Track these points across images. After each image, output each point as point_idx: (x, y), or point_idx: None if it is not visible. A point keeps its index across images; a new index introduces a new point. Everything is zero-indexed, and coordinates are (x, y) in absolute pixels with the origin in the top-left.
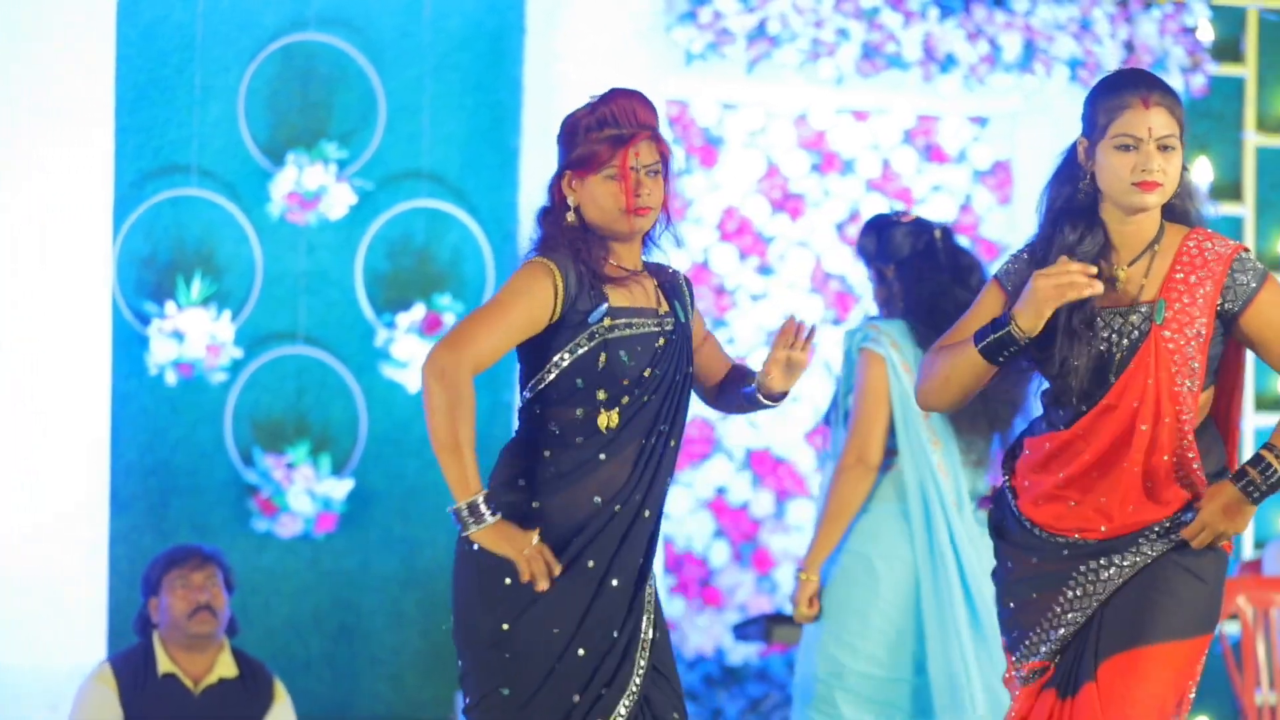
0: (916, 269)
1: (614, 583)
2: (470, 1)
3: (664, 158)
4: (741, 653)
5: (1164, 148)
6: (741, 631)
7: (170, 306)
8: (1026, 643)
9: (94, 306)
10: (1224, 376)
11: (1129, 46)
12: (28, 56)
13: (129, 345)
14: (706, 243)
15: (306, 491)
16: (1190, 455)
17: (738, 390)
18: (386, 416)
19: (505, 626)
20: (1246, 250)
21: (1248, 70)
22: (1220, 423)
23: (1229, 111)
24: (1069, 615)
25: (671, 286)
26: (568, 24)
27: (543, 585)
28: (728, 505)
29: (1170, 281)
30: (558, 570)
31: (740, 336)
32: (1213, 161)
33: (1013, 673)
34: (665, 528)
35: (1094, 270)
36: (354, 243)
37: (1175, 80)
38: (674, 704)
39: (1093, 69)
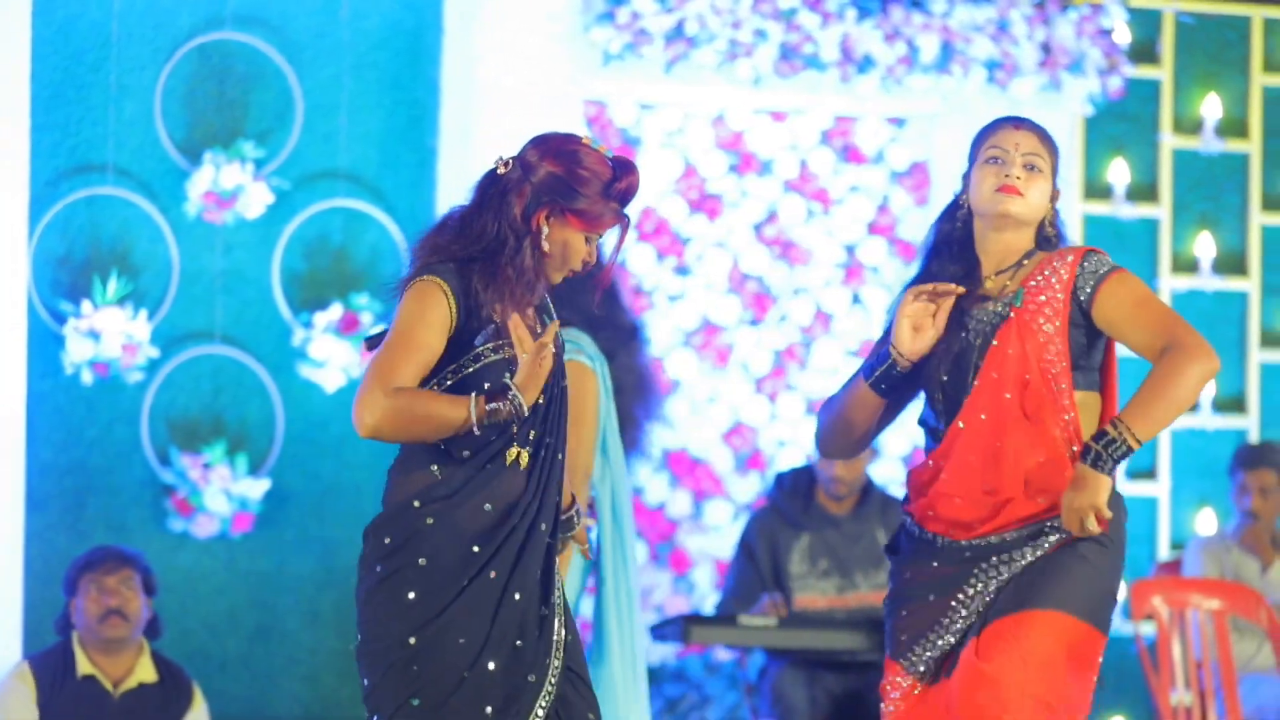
0: None
1: (515, 596)
2: (388, 1)
3: None
4: (659, 653)
5: (1030, 166)
6: (659, 632)
7: (86, 306)
8: (915, 650)
9: (9, 306)
10: (1105, 383)
11: (1046, 48)
12: None
13: (44, 344)
14: (624, 243)
15: (223, 491)
16: (1074, 446)
17: None
18: (303, 416)
19: (412, 640)
20: (1099, 251)
21: (1164, 72)
22: (1103, 420)
23: (1145, 113)
24: (963, 612)
25: (542, 305)
26: (486, 24)
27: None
28: (645, 506)
29: (1030, 278)
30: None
31: (657, 337)
32: (1129, 163)
33: (895, 678)
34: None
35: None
36: (271, 242)
37: (1092, 82)
38: (589, 704)
39: (1010, 70)
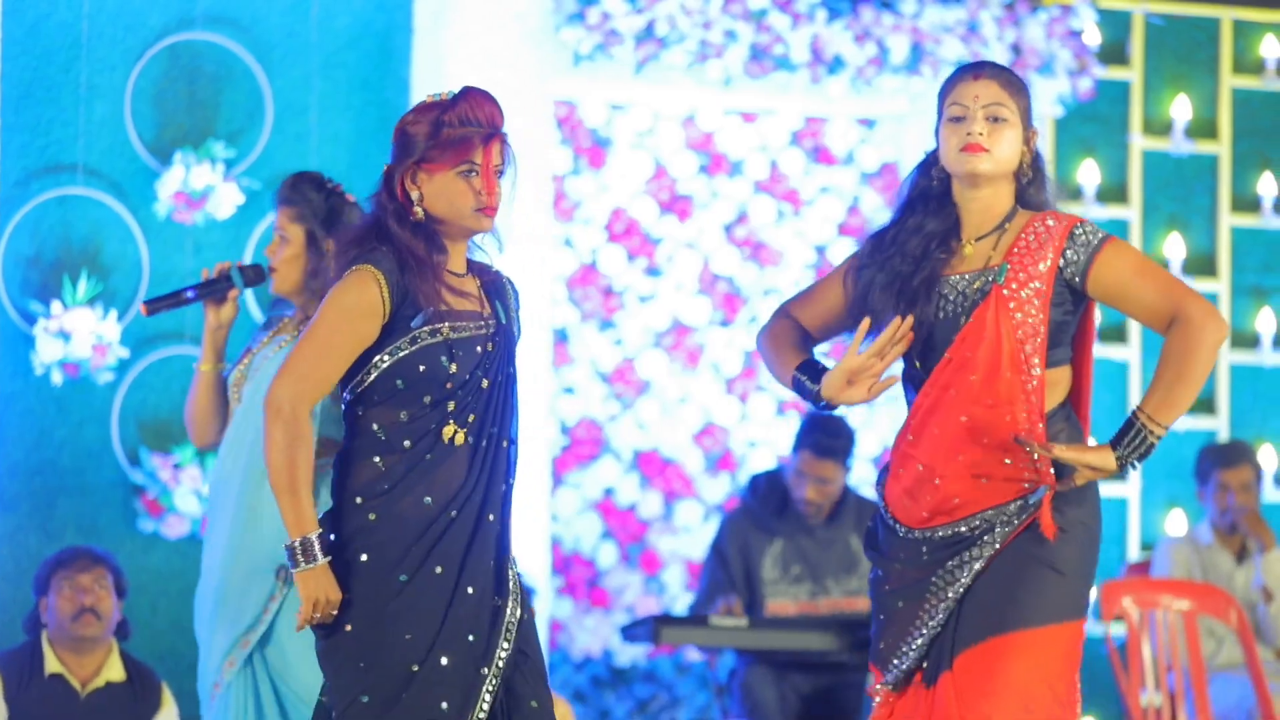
0: None
1: (469, 590)
2: (358, 1)
3: (509, 160)
4: (629, 654)
5: (992, 118)
6: (629, 633)
7: (56, 306)
8: (895, 658)
9: None
10: (1079, 356)
11: (1016, 49)
12: None
13: (14, 345)
14: (594, 244)
15: (193, 492)
16: (1037, 429)
17: None
18: None
19: (350, 628)
20: (1085, 221)
21: (1134, 73)
22: (1075, 405)
23: (1115, 115)
24: (931, 622)
25: (494, 287)
26: (456, 24)
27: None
28: (615, 506)
29: (1013, 250)
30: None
31: (628, 337)
32: (1099, 164)
33: (879, 684)
34: (553, 529)
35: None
36: (241, 242)
37: (1062, 84)
38: (534, 686)
39: None
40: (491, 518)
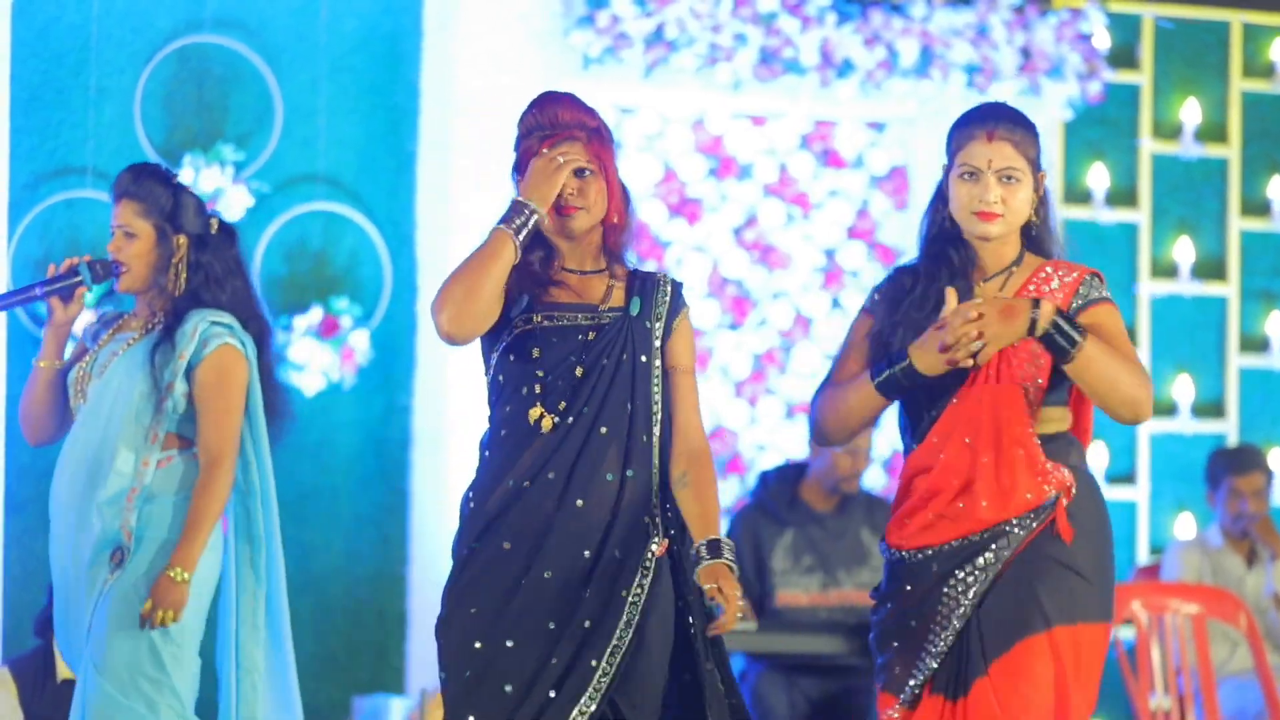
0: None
1: (545, 574)
2: (367, 4)
3: (599, 160)
4: None
5: (1006, 179)
6: None
7: None
8: (911, 677)
9: None
10: (1078, 398)
11: (1025, 53)
12: None
13: (24, 347)
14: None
15: None
16: (1035, 446)
17: (684, 500)
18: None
19: (440, 611)
20: (1095, 273)
21: (1143, 77)
22: (1075, 431)
23: (1124, 118)
24: (946, 632)
25: (643, 284)
26: (465, 27)
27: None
28: None
29: (1024, 288)
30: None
31: None
32: (1108, 168)
33: (889, 711)
34: None
35: (973, 328)
36: (251, 245)
37: (1071, 87)
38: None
39: (989, 75)
40: (581, 504)
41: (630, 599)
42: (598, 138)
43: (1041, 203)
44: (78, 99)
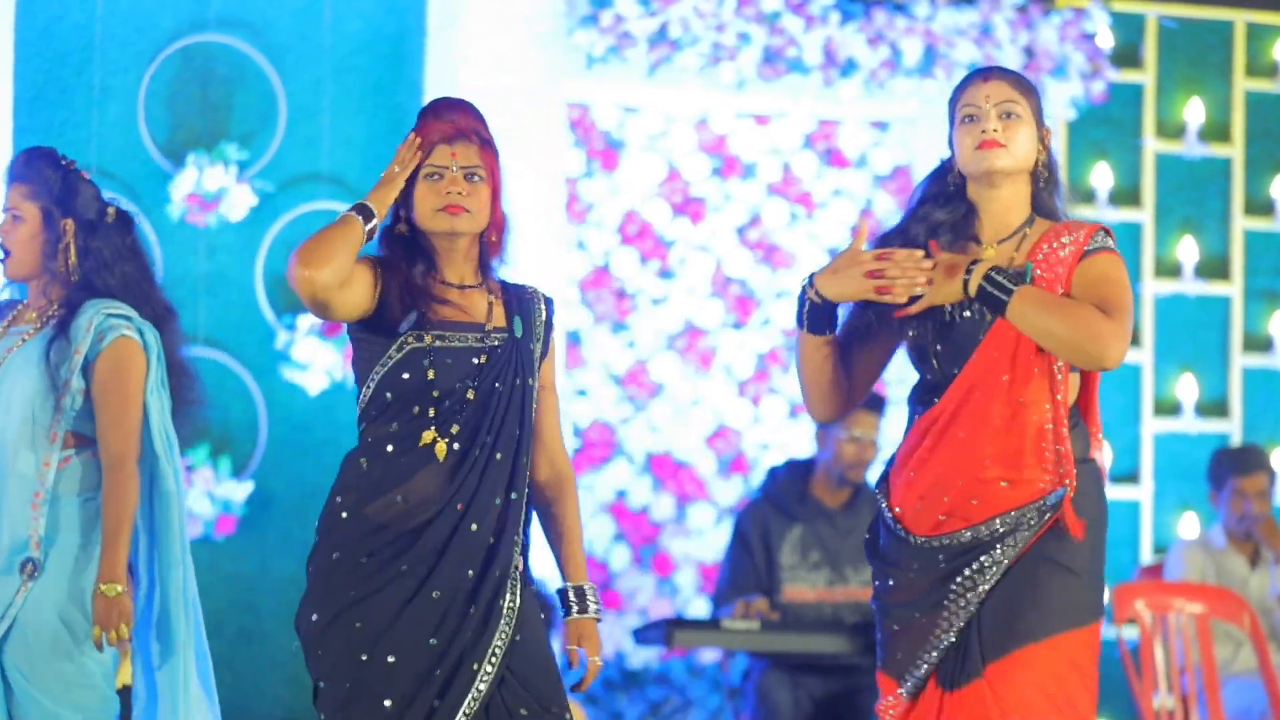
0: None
1: (434, 594)
2: (370, 4)
3: (489, 167)
4: (642, 656)
5: (1006, 114)
6: (642, 635)
7: None
8: (914, 667)
9: None
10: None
11: (1029, 52)
12: None
13: None
14: (607, 246)
15: (206, 494)
16: (1062, 429)
17: (549, 529)
18: (286, 419)
19: (314, 617)
20: (1105, 229)
21: (1147, 76)
22: (1083, 411)
23: (1128, 118)
24: (952, 631)
25: (520, 302)
26: (468, 27)
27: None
28: (628, 509)
29: (1036, 254)
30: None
31: (640, 340)
32: (1112, 167)
33: (892, 696)
34: None
35: (922, 275)
36: (254, 244)
37: (1075, 86)
38: (523, 702)
39: None
40: (475, 528)
41: (508, 606)
42: (490, 149)
43: (1050, 160)
44: (81, 98)
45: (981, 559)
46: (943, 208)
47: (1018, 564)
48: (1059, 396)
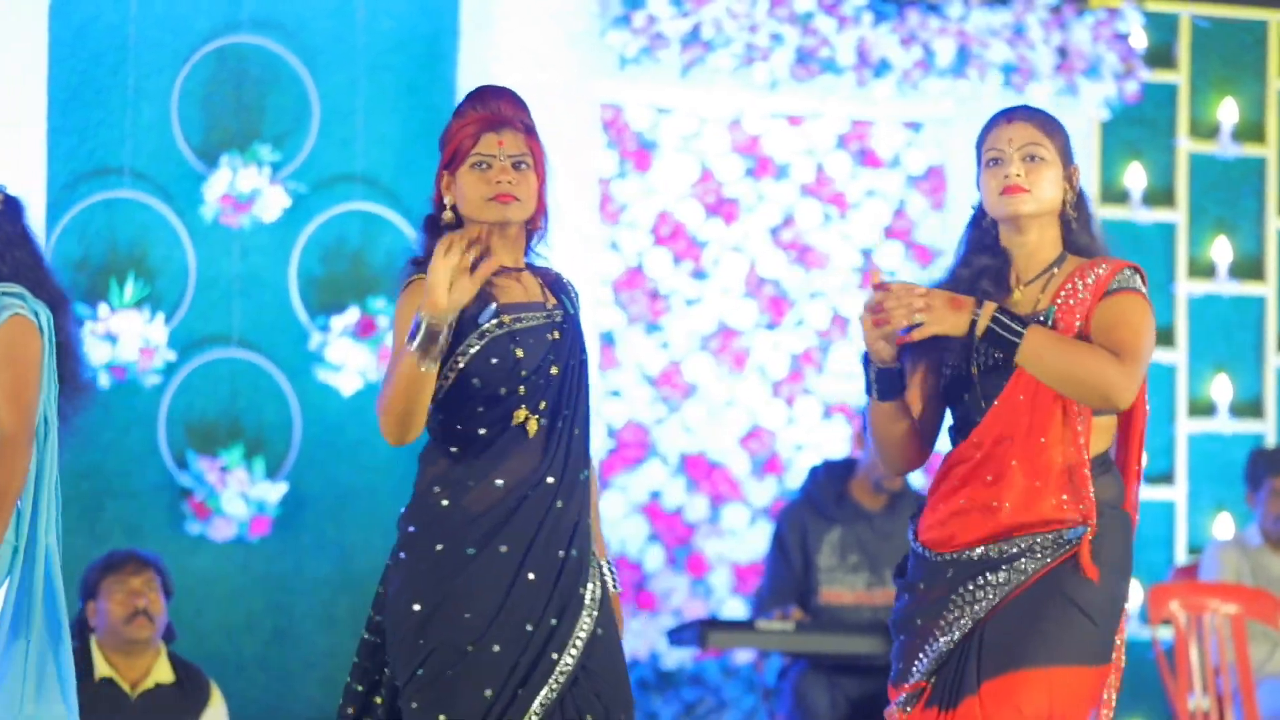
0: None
1: (530, 576)
2: (404, 4)
3: (535, 155)
4: (676, 657)
5: (1029, 158)
6: (676, 636)
7: (103, 309)
8: (909, 674)
9: None
10: (1124, 416)
11: (1062, 52)
12: None
13: None
14: (640, 247)
15: (240, 495)
16: (1083, 471)
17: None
18: (320, 420)
19: (417, 607)
20: (1133, 267)
21: (1181, 76)
22: (1119, 458)
23: (1162, 118)
24: (946, 637)
25: (556, 283)
26: (502, 27)
27: (456, 252)
28: (662, 510)
29: (1059, 294)
30: (461, 244)
31: (674, 340)
32: (1145, 168)
33: (893, 705)
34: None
35: (919, 301)
36: (288, 245)
37: (1108, 87)
38: (591, 708)
39: (1026, 74)
40: (561, 504)
41: (589, 597)
42: (534, 136)
43: (1079, 200)
44: (115, 99)
45: (987, 575)
46: (986, 254)
47: (1029, 592)
48: (1080, 440)
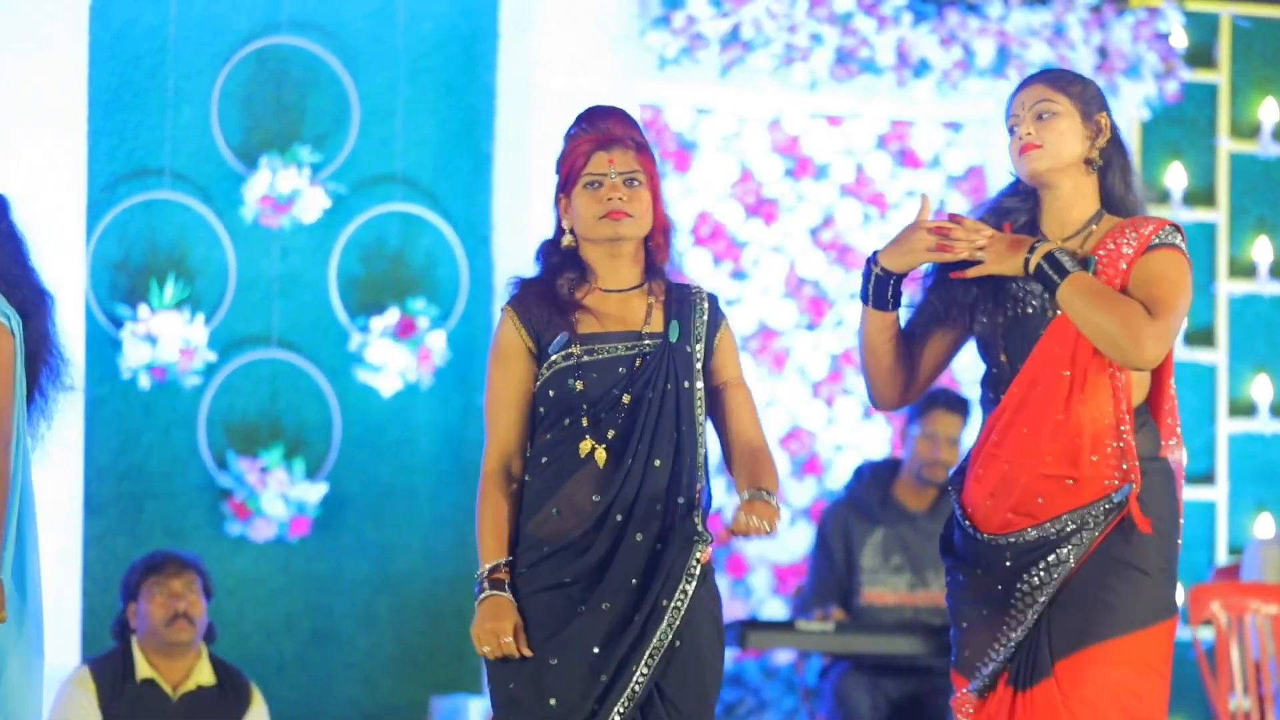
0: None
1: (603, 606)
2: (443, 5)
3: (647, 171)
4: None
5: (1039, 115)
6: None
7: (143, 310)
8: (980, 664)
9: (67, 310)
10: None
11: (1102, 52)
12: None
13: (102, 349)
14: (680, 247)
15: (280, 495)
16: (1123, 426)
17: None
18: (360, 420)
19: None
20: (1173, 225)
21: (1221, 76)
22: (1153, 410)
23: (1202, 117)
24: (1019, 629)
25: (680, 304)
26: (541, 28)
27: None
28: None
29: (1100, 249)
30: (510, 650)
31: None
32: (1186, 168)
33: (965, 690)
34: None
35: (981, 238)
36: (328, 246)
37: (1148, 86)
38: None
39: None
40: (640, 538)
41: (673, 605)
42: (646, 153)
43: (1114, 149)
44: (155, 101)
45: (1048, 558)
46: (1016, 199)
47: (1086, 563)
48: (1122, 394)
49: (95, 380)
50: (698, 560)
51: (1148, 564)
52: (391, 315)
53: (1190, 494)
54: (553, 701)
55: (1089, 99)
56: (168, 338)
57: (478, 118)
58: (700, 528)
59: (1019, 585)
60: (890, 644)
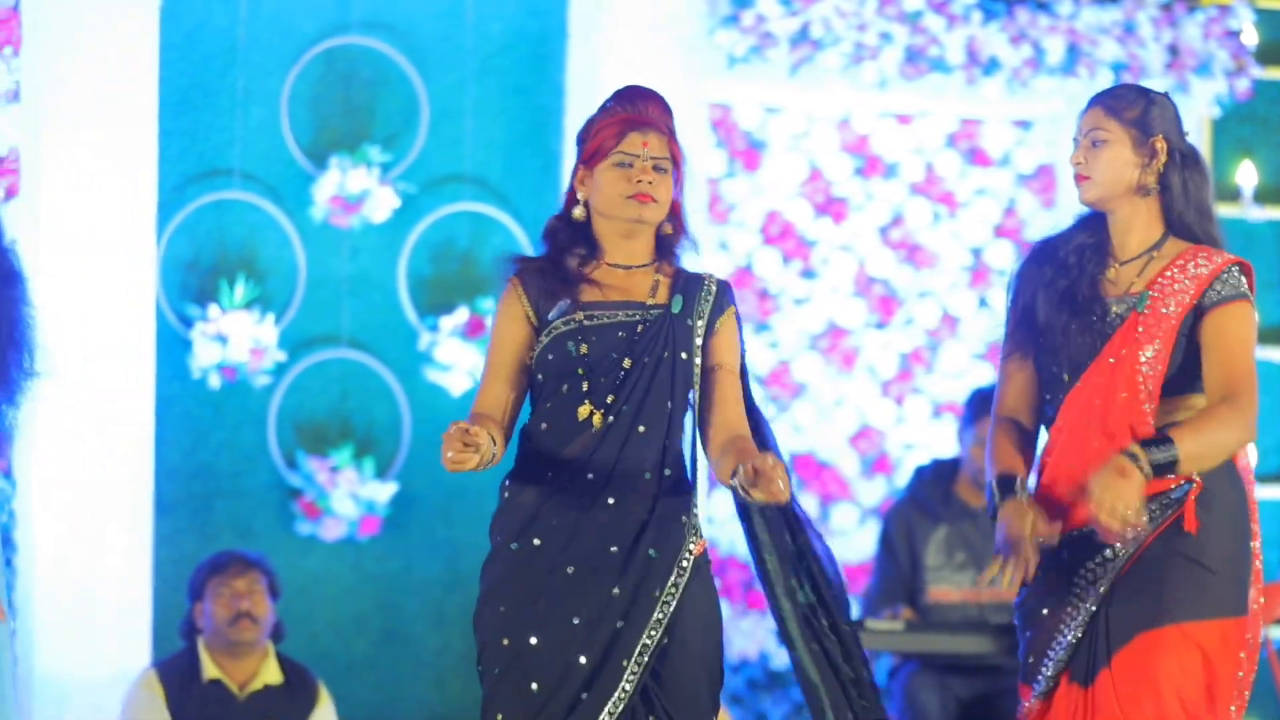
0: None
1: (569, 569)
2: (512, 5)
3: (675, 159)
4: (785, 657)
5: (1094, 143)
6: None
7: (214, 310)
8: (1041, 667)
9: (138, 310)
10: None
11: (1173, 50)
12: (71, 61)
13: (172, 348)
14: (749, 246)
15: (350, 495)
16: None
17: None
18: (430, 419)
19: (477, 605)
20: (1240, 264)
21: None
22: None
23: (1273, 115)
24: (1075, 625)
25: (687, 284)
26: (610, 27)
27: (450, 454)
28: None
29: (1158, 280)
30: (460, 436)
31: (783, 340)
32: (1257, 165)
33: (1027, 703)
34: (709, 531)
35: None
36: (397, 246)
37: (1219, 84)
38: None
39: (1136, 72)
40: (613, 501)
41: (663, 599)
42: (676, 142)
43: (1176, 171)
44: (225, 101)
45: (1104, 551)
46: (1086, 231)
47: (1143, 558)
48: (1146, 429)
49: (166, 380)
50: (690, 553)
51: (1210, 560)
52: (461, 314)
53: (1263, 493)
54: (534, 686)
55: (1146, 123)
56: (238, 337)
57: (546, 117)
58: (693, 519)
59: (1076, 580)
60: (959, 643)
